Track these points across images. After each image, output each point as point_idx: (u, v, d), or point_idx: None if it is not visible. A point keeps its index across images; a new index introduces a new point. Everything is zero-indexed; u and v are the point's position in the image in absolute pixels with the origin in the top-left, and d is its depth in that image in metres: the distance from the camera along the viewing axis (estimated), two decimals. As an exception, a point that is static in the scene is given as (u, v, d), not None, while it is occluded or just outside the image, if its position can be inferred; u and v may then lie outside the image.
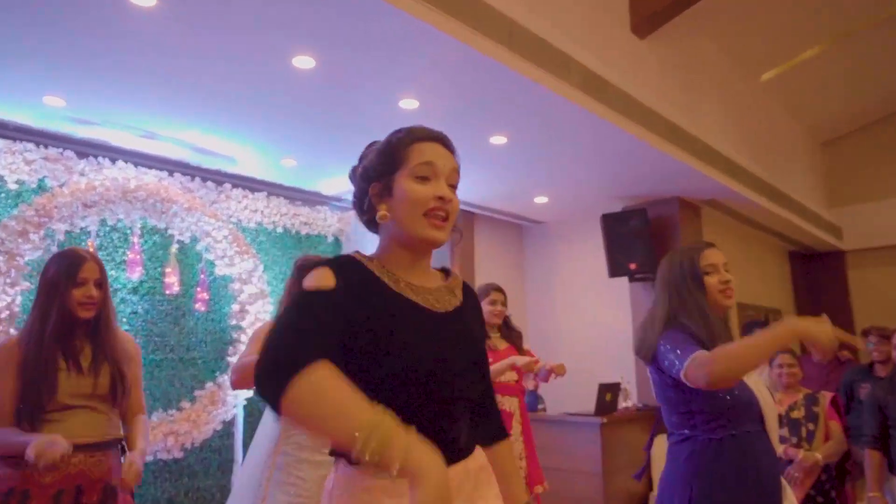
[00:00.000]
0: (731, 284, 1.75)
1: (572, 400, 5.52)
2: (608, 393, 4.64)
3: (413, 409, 0.98)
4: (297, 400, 0.82)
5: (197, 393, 4.07)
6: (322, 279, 1.00)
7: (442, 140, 1.15)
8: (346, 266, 1.05)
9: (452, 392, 1.04)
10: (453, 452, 1.02)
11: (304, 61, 3.06)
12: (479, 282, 6.01)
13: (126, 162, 4.02)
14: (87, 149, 3.89)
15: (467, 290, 1.23)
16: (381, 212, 1.10)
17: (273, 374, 0.84)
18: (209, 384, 4.14)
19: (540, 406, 5.23)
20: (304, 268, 2.39)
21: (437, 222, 1.08)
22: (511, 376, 3.14)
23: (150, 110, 3.59)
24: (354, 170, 1.21)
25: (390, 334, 1.00)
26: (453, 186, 1.13)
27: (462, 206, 5.71)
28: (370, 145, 1.23)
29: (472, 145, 4.23)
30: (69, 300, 1.92)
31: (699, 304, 1.72)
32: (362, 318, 0.99)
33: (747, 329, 4.70)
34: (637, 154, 4.41)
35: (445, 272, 1.23)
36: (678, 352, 1.59)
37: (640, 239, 5.35)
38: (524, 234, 6.72)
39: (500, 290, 3.23)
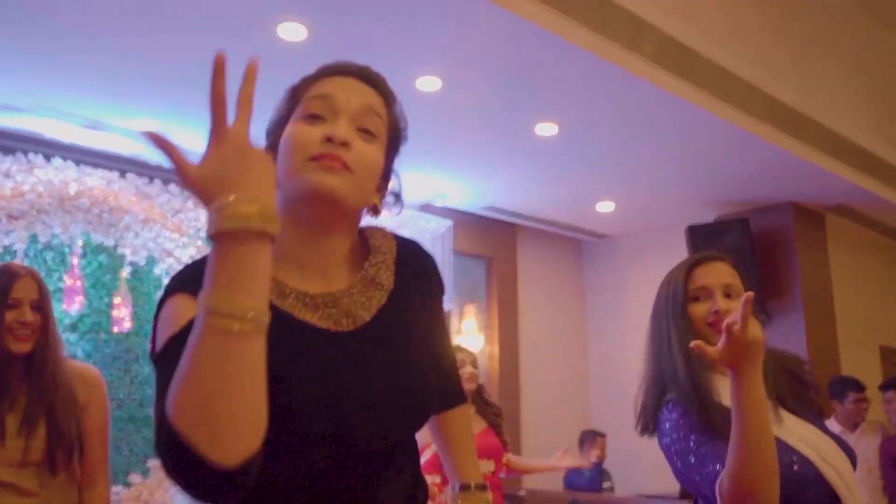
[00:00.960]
0: (729, 316, 1.31)
1: (648, 475, 5.41)
2: (698, 467, 4.54)
3: (314, 473, 0.94)
4: (182, 417, 0.74)
5: (151, 463, 4.08)
6: (176, 317, 0.90)
7: (359, 73, 1.07)
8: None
9: (356, 446, 0.96)
10: None
11: (292, 30, 3.09)
12: (523, 317, 5.97)
13: (64, 160, 4.07)
14: (12, 143, 3.94)
15: (407, 257, 1.11)
16: None
17: (165, 447, 0.76)
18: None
19: (606, 485, 5.14)
20: None
21: (327, 162, 0.96)
22: (487, 467, 3.18)
23: (94, 93, 3.63)
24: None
25: (271, 379, 0.86)
26: (367, 132, 1.02)
27: (501, 216, 5.72)
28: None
29: (512, 136, 4.23)
30: None
31: (677, 348, 1.52)
32: None
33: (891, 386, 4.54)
34: (735, 146, 4.37)
35: (364, 240, 1.11)
36: (692, 461, 1.41)
37: (741, 258, 5.16)
38: (584, 253, 6.70)
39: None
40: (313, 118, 1.00)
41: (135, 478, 4.03)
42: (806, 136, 4.63)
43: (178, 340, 0.81)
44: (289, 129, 1.01)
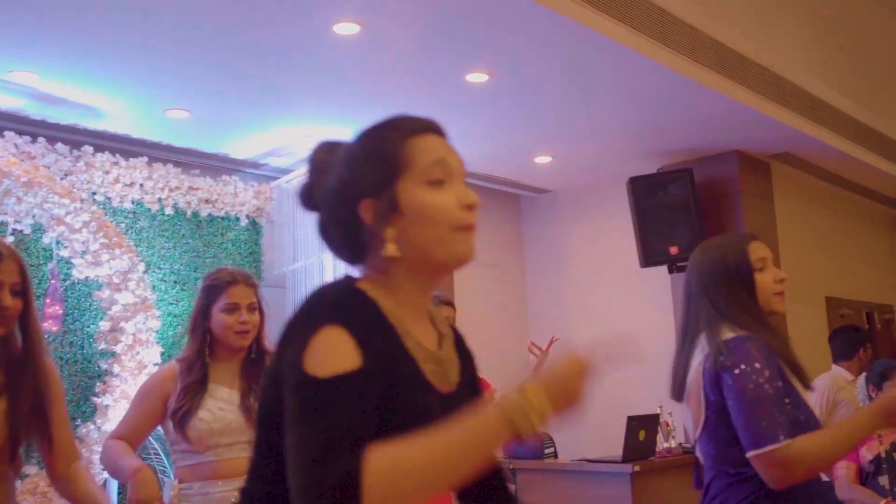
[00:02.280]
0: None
1: (592, 440, 5.53)
2: (641, 429, 4.65)
3: None
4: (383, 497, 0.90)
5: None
6: (339, 355, 1.00)
7: (438, 129, 1.19)
8: (363, 318, 1.06)
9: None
10: None
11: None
12: (459, 277, 5.97)
13: (-69, 117, 3.87)
14: None
15: (461, 345, 1.27)
16: (390, 242, 1.09)
17: None
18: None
19: (548, 450, 5.22)
20: (213, 288, 2.38)
21: (469, 235, 1.13)
22: None
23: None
24: (309, 186, 1.20)
25: (388, 417, 1.03)
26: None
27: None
28: (324, 148, 1.22)
29: (441, 86, 4.18)
30: None
31: (754, 313, 1.87)
32: (390, 396, 1.04)
33: (838, 337, 4.71)
34: (677, 92, 4.39)
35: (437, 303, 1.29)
36: (768, 410, 1.72)
37: (684, 211, 5.37)
38: (522, 208, 6.72)
39: (450, 304, 3.34)
40: (436, 184, 1.11)
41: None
42: (751, 82, 4.69)
43: (356, 381, 0.98)
44: (419, 198, 1.10)
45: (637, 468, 4.52)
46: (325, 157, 1.20)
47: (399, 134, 1.14)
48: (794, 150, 5.67)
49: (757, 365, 1.73)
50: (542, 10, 3.36)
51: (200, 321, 2.36)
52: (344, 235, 1.15)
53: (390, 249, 1.08)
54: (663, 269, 5.58)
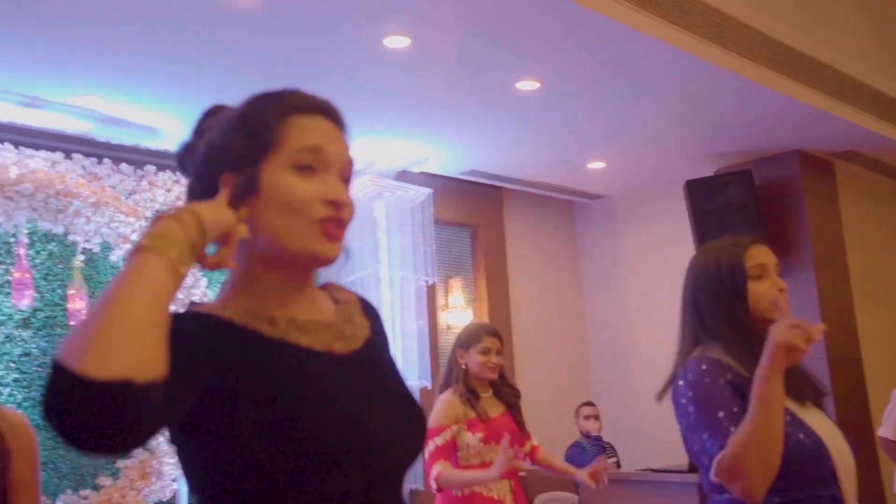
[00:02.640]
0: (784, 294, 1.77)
1: (656, 448, 5.45)
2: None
3: (338, 499, 0.98)
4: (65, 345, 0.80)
5: (120, 464, 4.07)
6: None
7: (329, 111, 1.10)
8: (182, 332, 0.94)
9: (381, 466, 1.03)
10: None
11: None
12: (514, 287, 5.95)
13: (1, 142, 4.00)
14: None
15: (369, 308, 1.22)
16: (242, 221, 1.00)
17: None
18: (137, 451, 4.15)
19: (610, 460, 5.16)
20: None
21: (332, 230, 1.04)
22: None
23: (30, 67, 3.57)
24: (187, 147, 1.13)
25: (273, 401, 0.96)
26: (346, 181, 1.09)
27: (485, 180, 5.67)
28: (211, 111, 1.15)
29: (492, 95, 4.18)
30: None
31: (740, 326, 1.73)
32: (222, 392, 0.96)
33: None
34: (733, 92, 4.34)
35: (329, 291, 1.19)
36: (707, 427, 1.64)
37: (744, 213, 5.27)
38: (576, 215, 6.68)
39: (495, 334, 3.30)
40: (306, 171, 1.04)
41: (104, 481, 4.03)
42: (810, 79, 4.60)
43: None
44: (281, 180, 1.03)
45: (703, 478, 4.43)
46: (208, 121, 1.13)
47: (280, 108, 1.06)
48: (858, 148, 5.53)
49: (690, 393, 1.68)
50: (592, 15, 3.35)
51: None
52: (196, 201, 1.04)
53: (241, 229, 0.99)
54: (724, 273, 5.48)
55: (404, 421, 1.08)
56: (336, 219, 1.03)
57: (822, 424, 1.71)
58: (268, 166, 1.03)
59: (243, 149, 1.04)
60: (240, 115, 1.07)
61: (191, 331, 0.95)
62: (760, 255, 1.80)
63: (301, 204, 1.01)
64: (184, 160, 1.13)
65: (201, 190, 1.05)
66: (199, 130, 1.12)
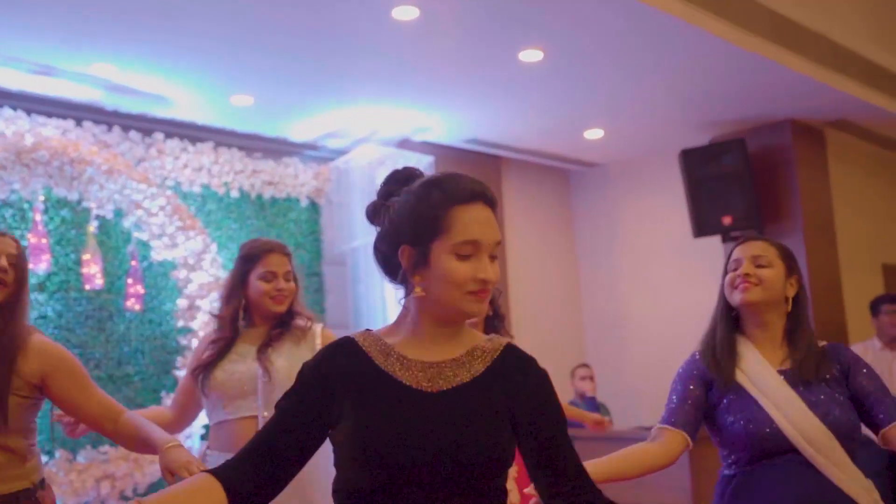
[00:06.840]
0: (752, 278, 1.98)
1: (648, 408, 5.58)
2: (697, 398, 4.69)
3: (382, 495, 1.32)
4: None
5: (136, 422, 4.17)
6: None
7: (484, 197, 1.39)
8: (336, 357, 1.41)
9: (418, 478, 1.31)
10: None
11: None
12: (511, 253, 6.06)
13: (14, 109, 4.05)
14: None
15: (508, 358, 1.45)
16: (417, 287, 1.38)
17: None
18: (152, 408, 4.23)
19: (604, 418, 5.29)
20: (249, 258, 2.48)
21: (479, 296, 1.37)
22: None
23: (45, 36, 3.60)
24: (376, 210, 1.46)
25: (365, 422, 1.34)
26: (493, 258, 1.40)
27: (485, 148, 5.74)
28: (393, 177, 1.46)
29: (495, 64, 4.23)
30: None
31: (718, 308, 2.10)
32: (349, 407, 1.35)
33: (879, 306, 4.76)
34: (728, 62, 4.38)
35: (488, 339, 1.47)
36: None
37: (738, 181, 5.35)
38: (573, 183, 6.75)
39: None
40: (463, 257, 1.36)
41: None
42: (804, 49, 4.63)
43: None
44: (444, 263, 1.36)
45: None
46: (394, 186, 1.44)
47: (447, 200, 1.36)
48: (849, 117, 5.59)
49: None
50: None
51: (238, 288, 2.47)
52: (384, 264, 1.44)
53: (418, 291, 1.37)
54: (716, 239, 5.58)
55: (457, 449, 1.33)
56: (483, 290, 1.37)
57: (785, 399, 1.92)
58: (436, 247, 1.36)
59: (417, 234, 1.37)
60: (415, 204, 1.38)
61: (331, 361, 1.40)
62: (738, 251, 2.07)
63: (460, 282, 1.35)
64: (371, 216, 1.47)
65: (384, 252, 1.43)
66: (385, 194, 1.45)
